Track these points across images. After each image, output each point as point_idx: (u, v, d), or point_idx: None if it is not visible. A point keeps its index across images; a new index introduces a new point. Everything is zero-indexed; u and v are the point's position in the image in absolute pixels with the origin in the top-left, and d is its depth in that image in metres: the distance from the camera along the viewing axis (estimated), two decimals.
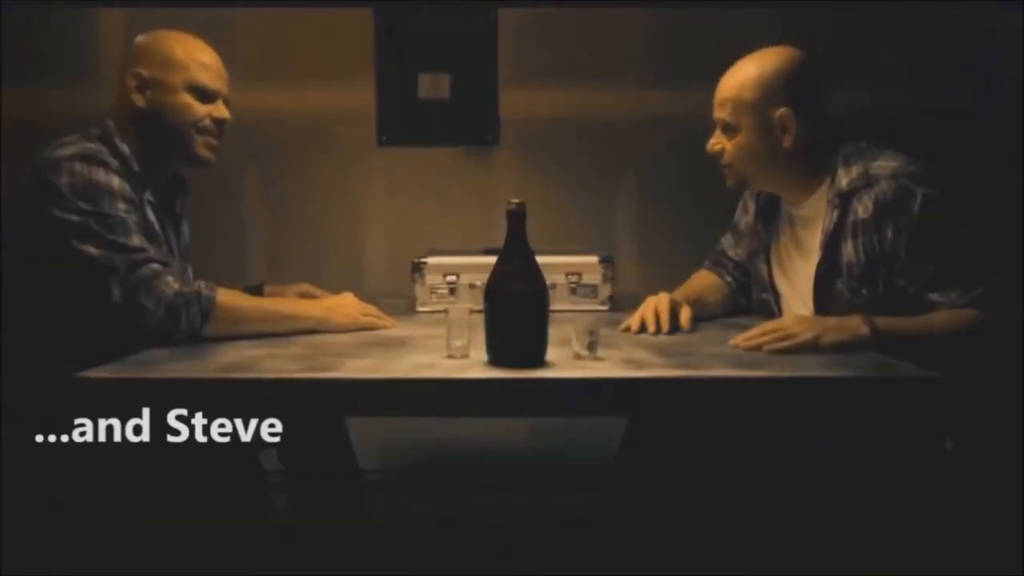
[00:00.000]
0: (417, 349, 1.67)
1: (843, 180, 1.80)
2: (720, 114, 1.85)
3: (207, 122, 1.84)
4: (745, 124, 1.81)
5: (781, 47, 1.86)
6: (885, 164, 1.78)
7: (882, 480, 1.62)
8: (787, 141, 1.80)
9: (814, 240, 1.86)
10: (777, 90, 1.80)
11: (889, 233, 1.74)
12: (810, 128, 1.81)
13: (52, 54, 2.93)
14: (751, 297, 2.09)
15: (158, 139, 1.83)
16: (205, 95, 1.84)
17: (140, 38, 1.87)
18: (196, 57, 1.83)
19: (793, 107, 1.79)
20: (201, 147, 1.85)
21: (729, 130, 1.84)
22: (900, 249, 1.73)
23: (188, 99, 1.82)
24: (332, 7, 2.95)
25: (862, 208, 1.77)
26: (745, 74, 1.82)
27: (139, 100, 1.81)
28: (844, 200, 1.79)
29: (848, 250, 1.79)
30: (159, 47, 1.83)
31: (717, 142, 1.87)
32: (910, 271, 1.73)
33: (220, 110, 1.86)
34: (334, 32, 2.97)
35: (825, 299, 1.83)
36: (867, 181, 1.77)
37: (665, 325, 1.81)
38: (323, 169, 3.02)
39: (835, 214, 1.80)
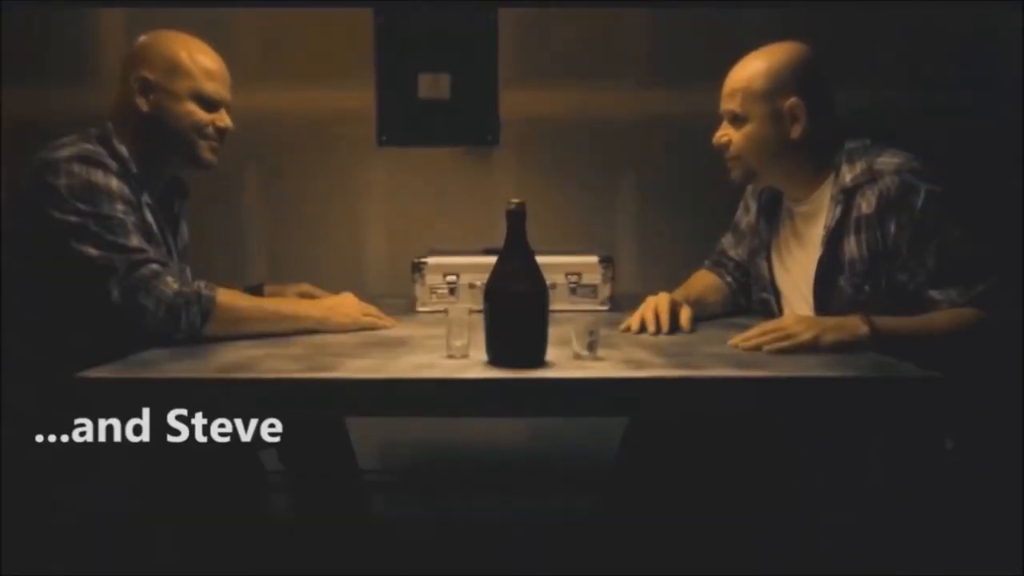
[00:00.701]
0: (417, 349, 1.67)
1: (847, 176, 1.80)
2: (729, 105, 1.85)
3: (209, 129, 1.84)
4: (755, 113, 1.82)
5: (789, 42, 1.86)
6: (889, 160, 1.78)
7: (882, 480, 1.62)
8: (796, 131, 1.81)
9: (816, 236, 1.86)
10: (787, 81, 1.81)
11: (892, 228, 1.74)
12: (817, 120, 1.81)
13: (52, 54, 2.93)
14: (751, 297, 2.09)
15: (160, 142, 1.83)
16: (210, 104, 1.84)
17: (144, 39, 1.86)
18: (202, 64, 1.83)
19: (802, 97, 1.80)
20: (205, 151, 1.85)
21: (738, 120, 1.84)
22: (902, 244, 1.74)
23: (192, 107, 1.82)
24: (332, 7, 2.95)
25: (865, 203, 1.77)
26: (755, 65, 1.84)
27: (142, 104, 1.81)
28: (848, 196, 1.80)
29: (851, 246, 1.79)
30: (164, 51, 1.82)
31: (724, 134, 1.87)
32: (911, 267, 1.74)
33: (223, 119, 1.86)
34: (334, 32, 2.97)
35: (826, 296, 1.83)
36: (871, 177, 1.78)
37: (665, 325, 1.81)
38: (323, 169, 3.02)
39: (838, 210, 1.80)
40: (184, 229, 2.02)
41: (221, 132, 1.86)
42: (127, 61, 1.84)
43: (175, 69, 1.81)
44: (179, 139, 1.83)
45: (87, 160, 1.71)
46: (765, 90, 1.81)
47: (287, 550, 1.91)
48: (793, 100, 1.80)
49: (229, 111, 1.88)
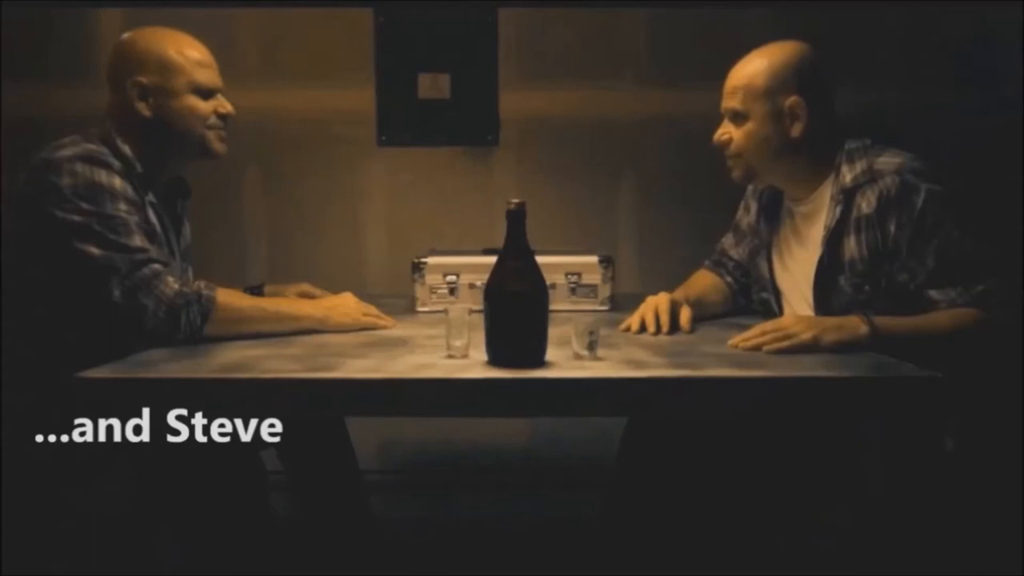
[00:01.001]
0: (417, 349, 1.67)
1: (847, 176, 1.80)
2: (730, 103, 1.85)
3: (213, 118, 1.85)
4: (756, 111, 1.82)
5: (790, 41, 1.86)
6: (889, 160, 1.79)
7: (882, 480, 1.63)
8: (796, 129, 1.81)
9: (816, 235, 1.86)
10: (788, 79, 1.81)
11: (892, 228, 1.75)
12: (818, 120, 1.81)
13: (52, 54, 2.92)
14: (751, 297, 2.09)
15: (168, 142, 1.83)
16: (207, 93, 1.84)
17: (127, 41, 1.85)
18: (192, 57, 1.83)
19: (803, 96, 1.80)
20: (214, 141, 1.86)
21: (739, 118, 1.84)
22: (902, 244, 1.74)
23: (192, 100, 1.82)
24: (332, 7, 2.95)
25: (865, 203, 1.77)
26: (757, 64, 1.84)
27: (144, 109, 1.80)
28: (848, 196, 1.80)
29: (851, 246, 1.79)
30: (152, 51, 1.82)
31: (725, 132, 1.87)
32: (911, 266, 1.74)
33: (224, 105, 1.87)
34: (334, 32, 2.97)
35: (826, 296, 1.83)
36: (871, 177, 1.78)
37: (665, 325, 1.81)
38: (323, 169, 3.01)
39: (838, 210, 1.80)
40: (187, 230, 2.02)
41: (224, 118, 1.87)
42: (115, 67, 1.83)
43: (167, 67, 1.81)
44: (187, 135, 1.83)
45: (90, 159, 1.71)
46: (766, 88, 1.81)
47: (287, 550, 1.91)
48: (794, 99, 1.80)
49: (225, 96, 1.88)
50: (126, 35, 1.87)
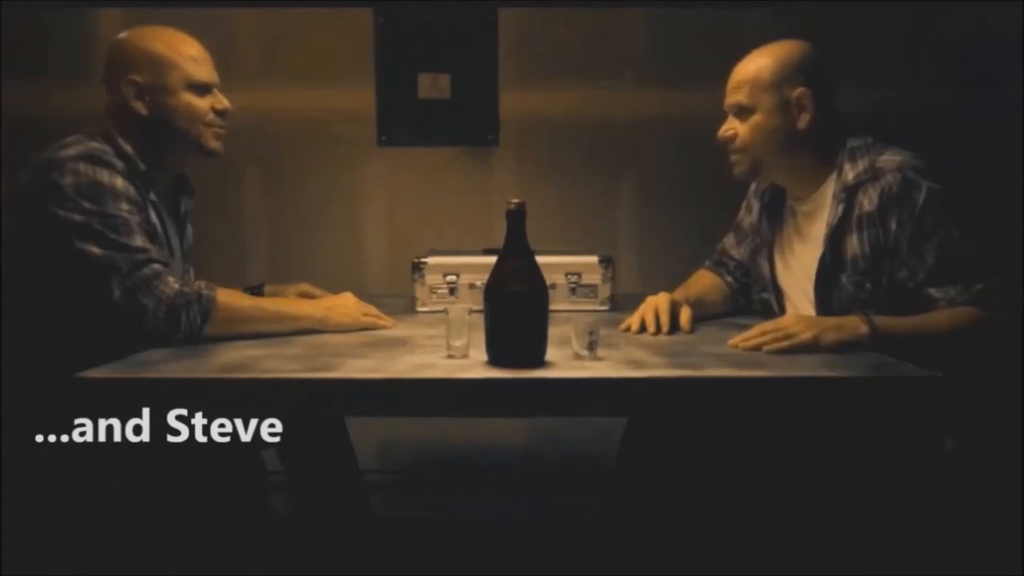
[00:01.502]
0: (417, 349, 1.67)
1: (849, 174, 1.81)
2: (736, 97, 1.85)
3: (210, 115, 1.85)
4: (763, 103, 1.82)
5: (793, 39, 1.87)
6: (891, 158, 1.79)
7: (882, 480, 1.63)
8: (803, 121, 1.81)
9: (818, 234, 1.86)
10: (794, 72, 1.82)
11: (893, 225, 1.75)
12: (822, 115, 1.82)
13: (52, 54, 2.92)
14: (751, 297, 2.09)
15: (166, 139, 1.83)
16: (203, 89, 1.84)
17: (121, 42, 1.85)
18: (185, 52, 1.83)
19: (810, 88, 1.80)
20: (211, 139, 1.86)
21: (744, 112, 1.84)
22: (903, 241, 1.74)
23: (188, 97, 1.82)
24: (332, 7, 2.95)
25: (867, 201, 1.78)
26: (761, 60, 1.85)
27: (140, 108, 1.81)
28: (850, 194, 1.80)
29: (853, 244, 1.79)
30: (145, 49, 1.82)
31: (730, 127, 1.87)
32: (911, 264, 1.74)
33: (220, 101, 1.86)
34: (334, 32, 2.97)
35: (828, 294, 1.83)
36: (873, 174, 1.78)
37: (665, 326, 1.81)
38: (323, 169, 3.01)
39: (840, 208, 1.80)
40: (190, 230, 2.02)
41: (221, 114, 1.86)
42: (110, 67, 1.83)
43: (161, 65, 1.81)
44: (183, 133, 1.83)
45: (93, 159, 1.71)
46: (773, 81, 1.82)
47: (287, 550, 1.91)
48: (801, 91, 1.81)
49: (221, 92, 1.88)
50: (120, 35, 1.87)
